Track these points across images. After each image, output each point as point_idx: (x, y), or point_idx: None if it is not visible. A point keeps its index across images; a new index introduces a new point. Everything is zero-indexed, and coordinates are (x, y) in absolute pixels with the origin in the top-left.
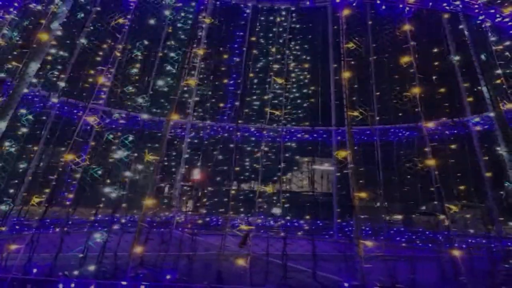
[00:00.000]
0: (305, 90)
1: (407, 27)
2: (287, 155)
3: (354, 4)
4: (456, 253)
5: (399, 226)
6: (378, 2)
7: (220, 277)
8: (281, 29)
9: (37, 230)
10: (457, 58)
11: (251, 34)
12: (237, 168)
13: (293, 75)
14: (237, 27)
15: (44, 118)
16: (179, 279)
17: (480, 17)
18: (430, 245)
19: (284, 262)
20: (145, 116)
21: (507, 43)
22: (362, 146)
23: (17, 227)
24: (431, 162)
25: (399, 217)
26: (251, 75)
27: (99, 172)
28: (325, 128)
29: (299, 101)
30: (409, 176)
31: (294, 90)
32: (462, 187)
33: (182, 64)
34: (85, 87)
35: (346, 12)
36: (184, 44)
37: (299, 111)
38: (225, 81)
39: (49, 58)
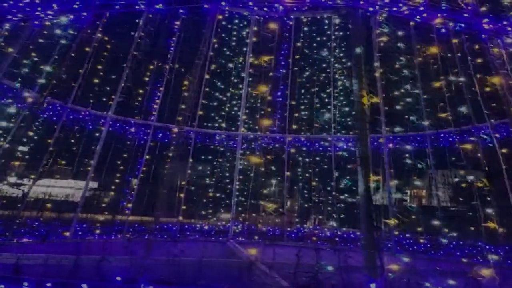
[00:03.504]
0: (352, 98)
1: None
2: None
3: None
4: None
5: None
6: None
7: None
8: (324, 38)
9: None
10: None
11: (295, 45)
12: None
13: (339, 82)
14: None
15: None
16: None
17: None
18: None
19: None
20: None
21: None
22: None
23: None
24: None
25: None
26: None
27: None
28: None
29: (347, 108)
30: None
31: (341, 98)
32: None
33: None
34: None
35: None
36: None
37: (348, 119)
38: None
39: None
